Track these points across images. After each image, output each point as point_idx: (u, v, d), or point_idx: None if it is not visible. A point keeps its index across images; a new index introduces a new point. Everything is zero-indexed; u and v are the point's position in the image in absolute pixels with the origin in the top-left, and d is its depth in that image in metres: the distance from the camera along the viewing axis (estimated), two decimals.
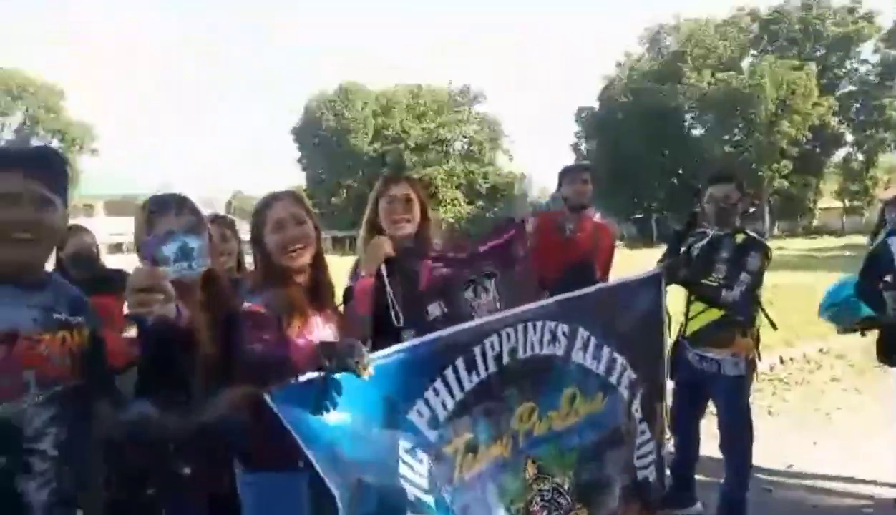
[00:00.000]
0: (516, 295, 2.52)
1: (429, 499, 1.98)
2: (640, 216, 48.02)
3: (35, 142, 42.07)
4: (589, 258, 3.52)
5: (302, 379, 1.81)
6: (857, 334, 3.53)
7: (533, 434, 2.39)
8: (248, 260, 2.52)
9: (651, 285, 2.95)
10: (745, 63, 45.65)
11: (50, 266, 1.67)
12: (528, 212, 2.30)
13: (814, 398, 5.70)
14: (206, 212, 2.26)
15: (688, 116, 47.04)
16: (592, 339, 2.53)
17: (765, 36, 46.54)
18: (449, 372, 2.15)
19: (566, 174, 3.73)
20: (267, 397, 1.73)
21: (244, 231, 2.72)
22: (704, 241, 3.39)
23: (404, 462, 1.98)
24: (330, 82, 53.42)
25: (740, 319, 3.26)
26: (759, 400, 5.80)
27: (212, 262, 1.70)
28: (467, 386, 2.19)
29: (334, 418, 1.83)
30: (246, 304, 1.99)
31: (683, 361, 3.37)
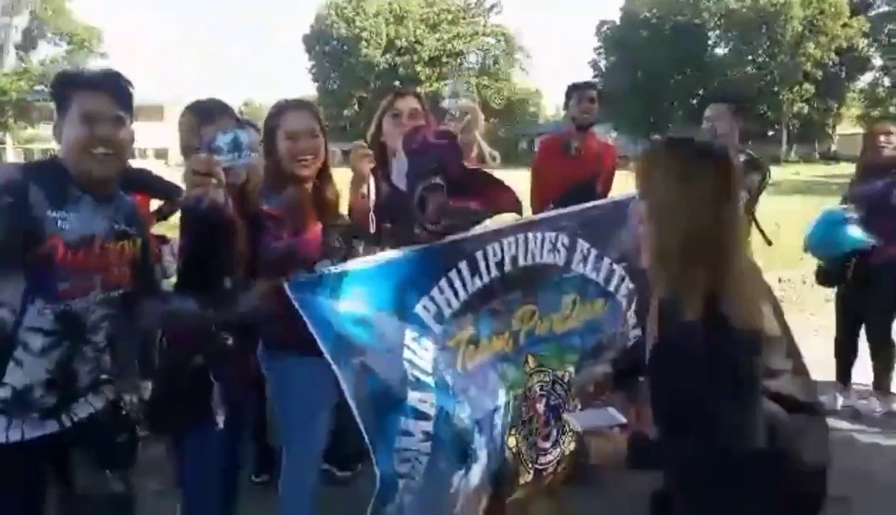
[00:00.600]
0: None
1: (429, 380, 2.20)
2: (656, 136, 47.25)
3: (43, 45, 41.76)
4: (593, 177, 3.64)
5: (316, 270, 2.03)
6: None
7: (534, 334, 2.61)
8: None
9: None
10: None
11: None
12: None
13: (804, 317, 5.91)
14: None
15: (712, 34, 45.44)
16: (592, 251, 2.71)
17: None
18: (453, 274, 2.35)
19: (573, 92, 3.79)
20: (285, 285, 1.96)
21: None
22: None
23: (409, 348, 2.19)
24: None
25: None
26: None
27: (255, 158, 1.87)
28: (471, 288, 2.39)
29: (343, 306, 2.05)
30: (263, 206, 2.13)
31: None
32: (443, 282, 2.32)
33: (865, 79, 45.21)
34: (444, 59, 52.22)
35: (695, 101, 43.99)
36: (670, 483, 1.67)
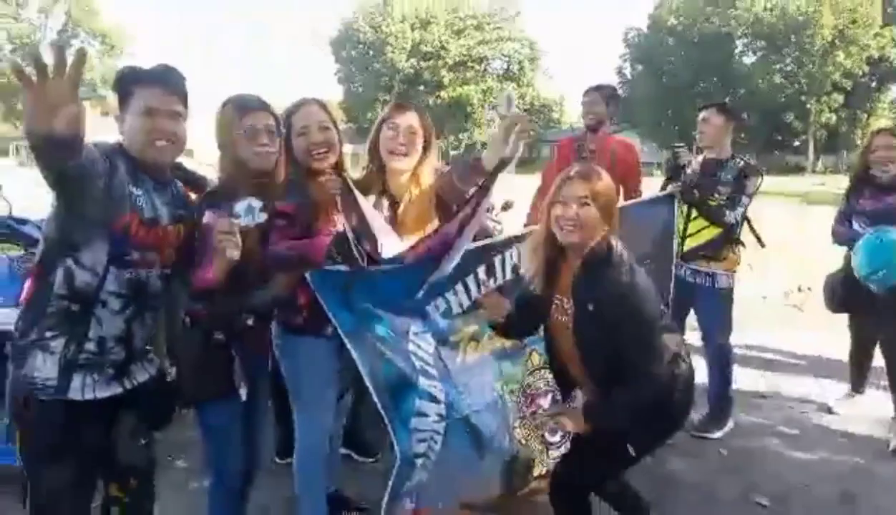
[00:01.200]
0: None
1: (433, 371, 2.33)
2: (679, 146, 46.85)
3: (76, 43, 42.75)
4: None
5: (337, 265, 2.15)
6: None
7: (538, 332, 2.72)
8: None
9: (665, 203, 3.29)
10: None
11: None
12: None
13: (823, 323, 5.90)
14: None
15: (739, 42, 45.01)
16: None
17: None
18: (470, 279, 2.50)
19: (586, 94, 3.98)
20: (308, 276, 2.10)
21: None
22: (697, 161, 3.69)
23: (412, 342, 2.33)
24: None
25: (736, 237, 3.60)
26: (770, 323, 6.08)
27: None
28: (484, 290, 2.52)
29: (360, 299, 2.19)
30: (278, 203, 2.20)
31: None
32: (459, 286, 2.46)
33: (895, 90, 44.46)
34: (469, 64, 52.35)
35: None
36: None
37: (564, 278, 2.15)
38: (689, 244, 3.59)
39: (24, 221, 3.83)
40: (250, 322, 2.15)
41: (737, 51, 45.28)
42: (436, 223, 2.39)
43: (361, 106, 51.31)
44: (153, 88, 1.82)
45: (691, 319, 3.80)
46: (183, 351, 2.08)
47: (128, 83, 1.83)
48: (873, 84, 42.79)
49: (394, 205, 2.43)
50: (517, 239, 2.64)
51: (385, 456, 3.21)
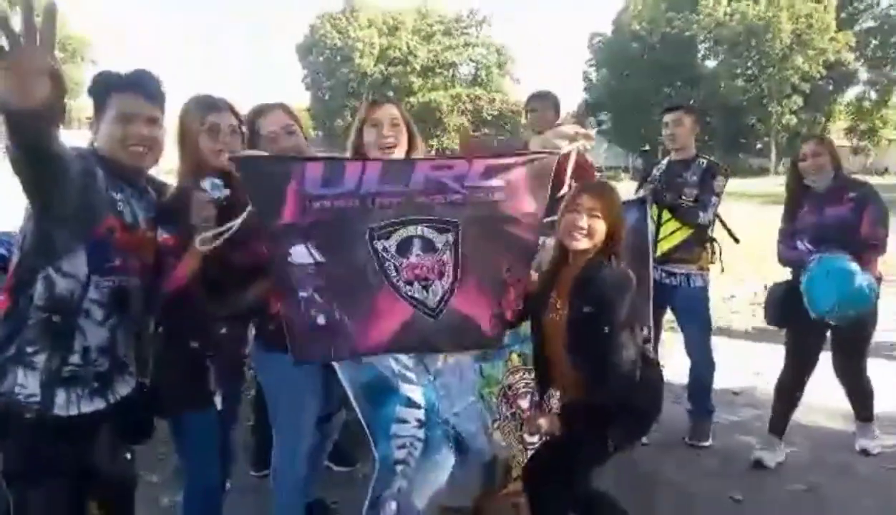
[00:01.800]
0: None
1: (412, 375, 2.32)
2: (646, 148, 47.74)
3: None
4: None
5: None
6: None
7: (518, 333, 2.73)
8: None
9: (637, 207, 3.32)
10: None
11: None
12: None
13: None
14: None
15: (702, 47, 45.98)
16: None
17: None
18: None
19: (531, 101, 4.13)
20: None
21: None
22: (663, 164, 3.77)
23: None
24: (335, 1, 51.65)
25: (708, 236, 3.66)
26: (738, 322, 6.22)
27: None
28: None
29: None
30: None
31: None
32: None
33: (852, 92, 45.88)
34: (437, 70, 52.53)
35: None
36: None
37: (563, 280, 2.25)
38: (663, 246, 3.63)
39: None
40: (224, 330, 2.11)
41: (699, 55, 46.27)
42: None
43: (328, 112, 51.13)
44: (129, 93, 1.78)
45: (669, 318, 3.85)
46: (157, 361, 2.04)
47: (103, 88, 1.80)
48: (830, 87, 44.07)
49: None
50: None
51: (363, 465, 3.19)
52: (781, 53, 40.43)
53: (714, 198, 3.54)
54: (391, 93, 49.25)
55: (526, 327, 2.73)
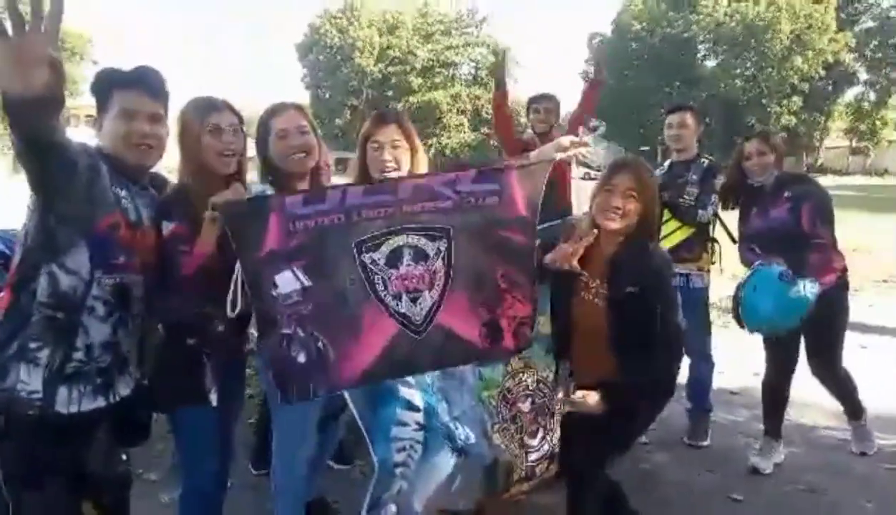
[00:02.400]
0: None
1: (410, 379, 2.30)
2: (646, 148, 47.69)
3: None
4: (550, 176, 3.80)
5: None
6: None
7: None
8: None
9: None
10: None
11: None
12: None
13: None
14: None
15: (701, 47, 45.94)
16: None
17: None
18: None
19: (531, 103, 4.28)
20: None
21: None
22: (665, 165, 3.77)
23: None
24: (334, 2, 51.56)
25: (710, 236, 3.64)
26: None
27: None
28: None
29: None
30: None
31: None
32: None
33: (852, 92, 45.90)
34: (437, 69, 52.47)
35: None
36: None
37: (595, 260, 2.22)
38: (663, 246, 3.62)
39: None
40: (221, 328, 2.11)
41: (699, 55, 46.19)
42: None
43: (329, 111, 51.03)
44: (132, 90, 1.78)
45: None
46: (155, 357, 2.04)
47: (106, 85, 1.79)
48: (829, 87, 44.08)
49: None
50: None
51: (363, 463, 3.19)
52: (781, 54, 40.43)
53: (714, 196, 3.51)
54: (389, 93, 49.33)
55: None
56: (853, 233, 11.38)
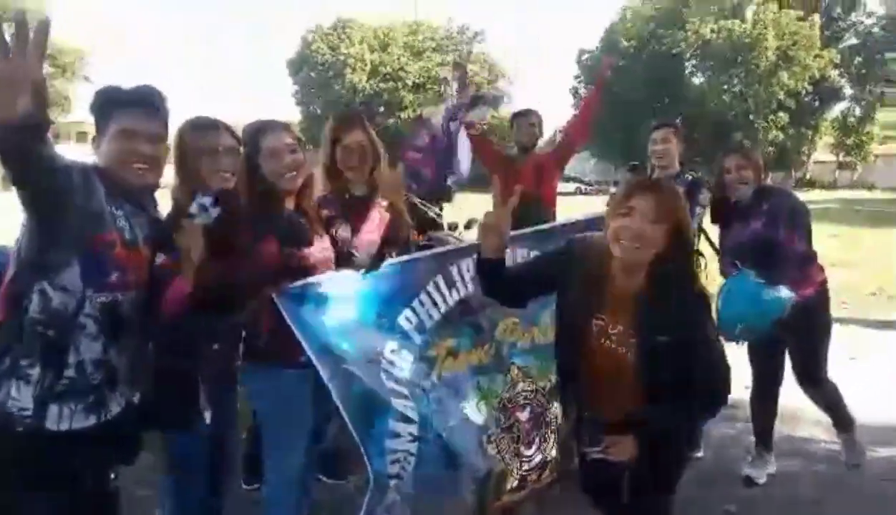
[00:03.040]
0: None
1: (405, 390, 2.33)
2: (635, 163, 47.84)
3: None
4: (533, 190, 3.91)
5: (302, 282, 2.14)
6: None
7: (517, 345, 2.75)
8: None
9: None
10: (749, 12, 44.78)
11: None
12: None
13: None
14: None
15: (688, 64, 46.45)
16: None
17: None
18: (432, 288, 2.51)
19: (515, 119, 4.51)
20: (275, 296, 2.08)
21: None
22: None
23: (387, 359, 2.32)
24: (327, 15, 52.19)
25: (696, 249, 3.60)
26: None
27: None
28: (450, 301, 2.54)
29: (328, 317, 2.18)
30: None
31: None
32: (423, 296, 2.47)
33: (838, 108, 46.45)
34: (429, 86, 52.75)
35: None
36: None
37: (614, 299, 1.88)
38: None
39: None
40: (216, 346, 2.10)
41: (686, 71, 46.69)
42: None
43: (320, 128, 50.90)
44: (131, 110, 1.77)
45: None
46: (148, 377, 2.03)
47: (105, 105, 1.79)
48: (816, 103, 44.62)
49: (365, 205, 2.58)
50: (474, 248, 2.66)
51: (354, 478, 3.17)
52: (767, 70, 40.94)
53: (698, 209, 3.49)
54: (381, 109, 49.51)
55: (521, 337, 2.75)
56: (842, 245, 11.56)
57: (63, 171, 1.52)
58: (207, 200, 1.92)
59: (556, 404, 2.77)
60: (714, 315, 2.78)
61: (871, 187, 41.73)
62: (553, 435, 2.82)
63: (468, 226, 5.35)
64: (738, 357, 4.93)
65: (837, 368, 3.42)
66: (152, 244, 1.90)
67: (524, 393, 2.76)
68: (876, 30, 43.82)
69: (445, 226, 5.55)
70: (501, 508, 2.70)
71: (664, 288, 1.80)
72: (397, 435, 2.24)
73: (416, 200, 3.84)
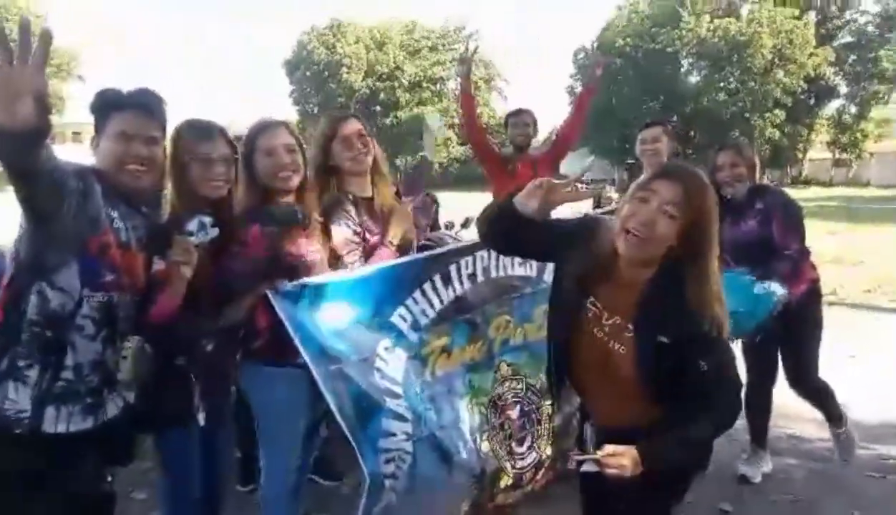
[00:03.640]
0: None
1: (398, 389, 2.32)
2: (631, 161, 47.89)
3: None
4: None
5: (297, 282, 2.13)
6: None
7: (509, 342, 2.75)
8: None
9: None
10: (744, 10, 44.87)
11: None
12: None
13: None
14: None
15: (685, 62, 46.53)
16: None
17: None
18: (428, 286, 2.50)
19: (510, 118, 4.49)
20: (269, 294, 2.07)
21: None
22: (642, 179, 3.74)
23: (381, 358, 2.31)
24: (322, 15, 52.25)
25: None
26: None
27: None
28: (445, 299, 2.54)
29: (322, 316, 2.18)
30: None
31: None
32: (417, 293, 2.46)
33: (833, 105, 46.57)
34: (425, 85, 52.76)
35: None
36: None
37: (615, 289, 1.73)
38: None
39: None
40: (210, 347, 2.10)
41: (682, 70, 46.78)
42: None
43: (316, 126, 51.00)
44: (130, 112, 1.78)
45: None
46: (143, 377, 2.02)
47: (105, 106, 1.80)
48: (811, 101, 44.75)
49: (366, 204, 2.52)
50: (473, 247, 2.67)
51: (349, 479, 3.17)
52: (763, 68, 41.06)
53: None
54: (377, 108, 49.53)
55: (513, 334, 2.75)
56: (839, 243, 11.58)
57: (58, 176, 1.53)
58: (208, 220, 1.94)
59: (548, 402, 2.77)
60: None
61: (866, 184, 41.83)
62: (547, 434, 2.82)
63: (465, 225, 5.36)
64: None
65: (836, 366, 3.42)
66: (147, 246, 1.89)
67: (514, 391, 2.76)
68: (870, 28, 43.94)
69: (442, 226, 5.58)
70: (495, 508, 2.69)
71: (665, 287, 1.64)
72: (392, 435, 2.24)
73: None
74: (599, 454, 1.62)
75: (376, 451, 2.19)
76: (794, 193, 3.82)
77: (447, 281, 2.55)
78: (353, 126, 2.52)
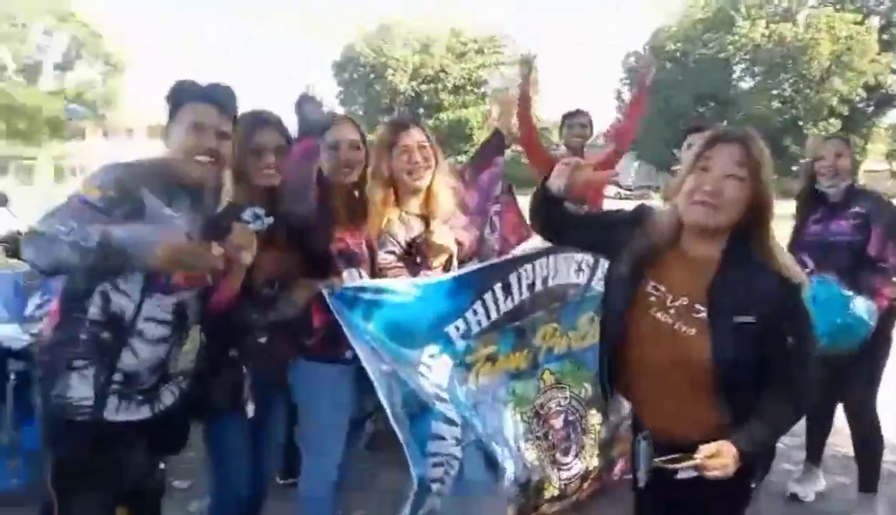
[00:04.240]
0: None
1: (445, 395, 2.32)
2: (677, 168, 47.04)
3: (80, 65, 42.95)
4: (582, 194, 3.80)
5: (356, 284, 2.13)
6: None
7: (553, 351, 2.71)
8: None
9: None
10: (802, 15, 43.57)
11: None
12: None
13: None
14: None
15: (737, 68, 45.47)
16: None
17: None
18: (488, 296, 2.48)
19: (566, 120, 4.39)
20: (325, 292, 2.07)
21: None
22: None
23: (425, 364, 2.31)
24: (371, 18, 52.84)
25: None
26: None
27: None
28: (503, 308, 2.52)
29: (378, 319, 2.19)
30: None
31: None
32: (477, 305, 2.45)
33: (893, 114, 44.84)
34: (469, 88, 52.73)
35: None
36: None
37: (679, 268, 1.62)
38: None
39: None
40: (263, 340, 2.11)
41: (734, 76, 45.72)
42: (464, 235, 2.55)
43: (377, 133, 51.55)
44: (203, 104, 1.81)
45: None
46: (196, 367, 2.04)
47: (180, 97, 1.84)
48: (870, 109, 43.18)
49: (419, 221, 2.46)
50: (533, 255, 2.64)
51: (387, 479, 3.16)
52: (820, 75, 39.81)
53: None
54: (421, 110, 49.73)
55: (557, 343, 2.70)
56: None
57: (133, 193, 1.60)
58: (261, 211, 1.97)
59: (593, 411, 2.72)
60: None
61: None
62: (592, 444, 2.76)
63: None
64: None
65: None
66: (207, 236, 1.90)
67: (557, 400, 2.71)
68: None
69: None
70: None
71: (741, 260, 1.54)
72: (441, 438, 2.23)
73: None
74: (698, 457, 1.47)
75: (424, 454, 2.18)
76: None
77: (507, 291, 2.52)
78: (414, 136, 2.44)
